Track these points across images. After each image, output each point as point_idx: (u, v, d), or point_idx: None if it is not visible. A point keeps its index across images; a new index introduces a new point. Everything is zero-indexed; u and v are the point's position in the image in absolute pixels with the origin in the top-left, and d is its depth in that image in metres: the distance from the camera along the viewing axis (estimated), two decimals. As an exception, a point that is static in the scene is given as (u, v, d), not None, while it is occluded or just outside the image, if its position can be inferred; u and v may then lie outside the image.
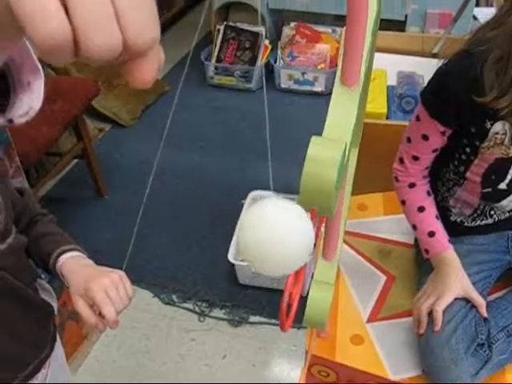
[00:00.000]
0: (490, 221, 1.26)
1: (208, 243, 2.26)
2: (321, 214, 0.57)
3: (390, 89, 1.96)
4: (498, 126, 1.09)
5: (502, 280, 1.27)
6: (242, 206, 2.07)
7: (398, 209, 1.31)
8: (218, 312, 2.05)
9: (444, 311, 1.11)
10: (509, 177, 1.15)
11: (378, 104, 1.85)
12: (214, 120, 3.09)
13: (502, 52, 1.00)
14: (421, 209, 1.21)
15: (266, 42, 3.29)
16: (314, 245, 0.47)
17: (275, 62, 3.25)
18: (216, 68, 3.30)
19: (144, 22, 0.29)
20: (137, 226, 0.72)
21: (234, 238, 2.03)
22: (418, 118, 1.17)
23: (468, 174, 1.19)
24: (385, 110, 1.86)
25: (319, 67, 3.19)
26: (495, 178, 1.16)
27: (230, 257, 2.00)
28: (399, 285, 1.33)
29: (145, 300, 2.09)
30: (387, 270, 1.37)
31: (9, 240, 0.85)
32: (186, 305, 2.08)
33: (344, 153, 0.55)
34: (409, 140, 1.20)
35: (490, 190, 1.18)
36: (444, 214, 1.26)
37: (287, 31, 3.28)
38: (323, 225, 0.87)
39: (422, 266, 1.28)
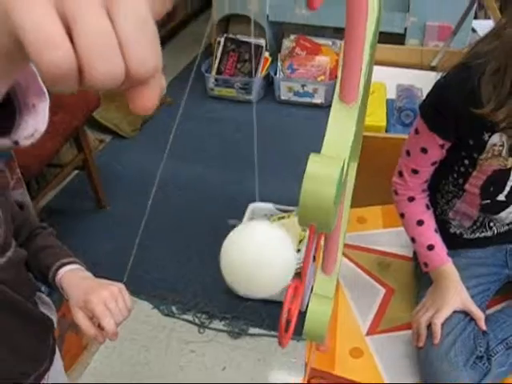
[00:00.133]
0: (489, 233, 1.26)
1: (208, 255, 2.26)
2: (319, 231, 0.57)
3: (389, 102, 1.97)
4: (495, 138, 1.10)
5: (500, 293, 1.27)
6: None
7: (397, 222, 1.31)
8: (217, 324, 2.05)
9: (443, 324, 1.12)
10: (507, 188, 1.16)
11: (377, 117, 1.86)
12: (213, 131, 3.11)
13: (499, 64, 1.01)
14: (420, 222, 1.22)
15: (266, 54, 3.31)
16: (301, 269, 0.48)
17: (275, 74, 3.27)
18: (216, 80, 3.32)
19: (146, 51, 0.30)
20: (139, 238, 0.73)
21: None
22: (416, 131, 1.17)
23: (467, 186, 1.19)
24: (384, 123, 1.87)
25: (319, 79, 3.20)
26: (494, 189, 1.17)
27: (230, 268, 2.00)
28: (398, 298, 1.34)
29: (144, 311, 2.09)
30: (386, 282, 1.37)
31: (8, 253, 0.86)
32: (185, 316, 2.08)
33: (342, 170, 0.55)
34: (408, 153, 1.21)
35: (488, 201, 1.19)
36: (443, 226, 1.27)
37: (287, 43, 3.30)
38: (322, 238, 0.88)
39: (421, 279, 1.29)
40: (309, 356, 1.20)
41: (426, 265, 1.21)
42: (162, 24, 0.34)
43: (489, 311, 1.23)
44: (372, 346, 1.24)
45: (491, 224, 1.25)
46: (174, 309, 2.11)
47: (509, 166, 1.13)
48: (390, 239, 1.48)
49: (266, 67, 3.30)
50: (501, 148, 1.10)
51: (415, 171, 1.21)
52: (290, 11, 3.13)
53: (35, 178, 2.37)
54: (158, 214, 2.39)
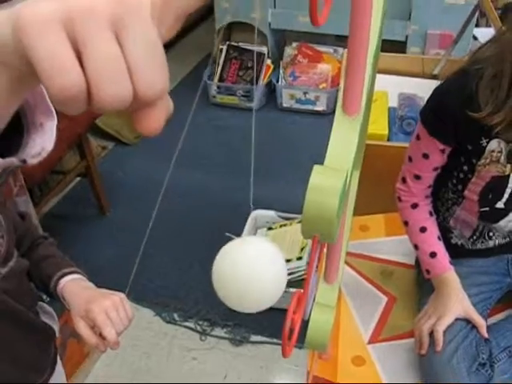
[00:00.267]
0: (490, 244, 1.27)
1: (210, 262, 2.25)
2: (322, 241, 0.58)
3: (391, 110, 1.97)
4: (493, 144, 1.10)
5: (502, 302, 1.27)
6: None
7: (399, 230, 1.32)
8: (219, 331, 2.05)
9: (445, 332, 1.12)
10: (506, 195, 1.16)
11: (379, 125, 1.87)
12: (216, 139, 3.12)
13: (497, 69, 1.02)
14: (423, 229, 1.22)
15: (268, 61, 3.32)
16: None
17: (277, 81, 3.28)
18: (218, 87, 3.33)
19: (155, 75, 0.30)
20: (143, 247, 0.74)
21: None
22: (418, 137, 1.19)
23: (466, 193, 1.20)
24: (386, 132, 1.87)
25: (321, 87, 3.21)
26: (492, 196, 1.17)
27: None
28: (400, 306, 1.34)
29: (146, 318, 2.10)
30: (388, 291, 1.38)
31: (10, 263, 0.86)
32: (187, 323, 2.08)
33: (345, 182, 0.56)
34: (410, 159, 1.22)
35: (487, 209, 1.19)
36: (445, 235, 1.27)
37: (289, 51, 3.31)
38: (325, 248, 0.88)
39: (423, 287, 1.29)
40: (311, 364, 1.20)
41: (428, 272, 1.22)
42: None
43: (490, 319, 1.23)
44: (374, 355, 1.24)
45: (491, 234, 1.25)
46: (175, 316, 2.11)
47: (507, 173, 1.13)
48: (392, 247, 1.48)
49: (267, 75, 3.31)
50: (499, 154, 1.11)
51: (418, 177, 1.21)
52: (292, 19, 3.14)
53: (38, 184, 2.37)
54: (159, 222, 2.39)
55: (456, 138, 1.13)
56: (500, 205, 1.18)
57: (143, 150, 3.02)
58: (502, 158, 1.11)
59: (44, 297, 1.06)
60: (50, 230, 1.18)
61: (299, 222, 2.20)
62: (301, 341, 0.87)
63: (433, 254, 1.21)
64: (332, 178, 0.56)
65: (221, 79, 3.34)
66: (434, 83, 1.20)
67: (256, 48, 3.31)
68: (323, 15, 0.43)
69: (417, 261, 1.34)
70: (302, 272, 1.96)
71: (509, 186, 1.15)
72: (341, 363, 1.22)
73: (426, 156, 1.18)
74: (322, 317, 0.88)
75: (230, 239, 0.48)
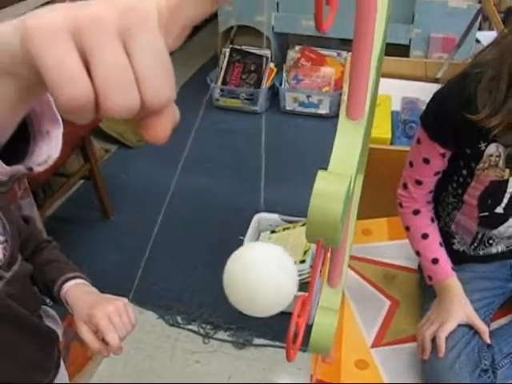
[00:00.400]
0: (493, 251, 1.26)
1: (213, 265, 2.26)
2: (327, 246, 0.58)
3: (394, 114, 1.97)
4: (492, 149, 1.10)
5: (505, 307, 1.27)
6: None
7: (402, 234, 1.32)
8: (222, 334, 2.05)
9: (447, 337, 1.12)
10: (505, 200, 1.16)
11: (382, 129, 1.87)
12: (219, 142, 3.12)
13: (496, 71, 1.02)
14: (424, 236, 1.22)
15: (272, 64, 3.33)
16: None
17: (280, 84, 3.29)
18: (222, 90, 3.33)
19: (162, 84, 0.31)
20: (148, 251, 0.74)
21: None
22: (418, 141, 1.18)
23: (465, 197, 1.20)
24: (389, 136, 1.87)
25: (324, 90, 3.22)
26: (491, 201, 1.17)
27: (235, 279, 2.00)
28: (403, 310, 1.34)
29: (149, 321, 2.10)
30: (391, 294, 1.38)
31: (15, 267, 0.86)
32: (190, 326, 2.09)
33: (349, 187, 0.56)
34: (411, 164, 1.22)
35: (487, 214, 1.19)
36: (447, 241, 1.27)
37: (292, 54, 3.32)
38: (329, 252, 0.89)
39: (426, 292, 1.29)
40: (314, 367, 1.20)
41: (430, 278, 1.22)
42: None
43: (493, 325, 1.23)
44: (377, 358, 1.24)
45: (491, 241, 1.25)
46: (178, 319, 2.11)
47: (506, 177, 1.13)
48: (395, 251, 1.48)
49: (271, 78, 3.32)
50: (497, 159, 1.11)
51: (419, 182, 1.21)
52: (295, 22, 3.15)
53: (41, 187, 2.38)
54: (163, 225, 2.39)
55: (455, 141, 1.14)
56: (499, 210, 1.18)
57: (146, 152, 3.02)
58: (501, 162, 1.11)
59: (47, 300, 1.06)
60: (54, 233, 1.18)
61: (302, 225, 2.21)
62: (304, 344, 0.87)
63: (435, 261, 1.21)
64: (336, 183, 0.56)
65: (224, 82, 3.35)
66: (437, 87, 1.20)
67: (259, 51, 3.32)
68: (328, 22, 0.43)
69: (420, 265, 1.34)
70: (306, 275, 1.96)
71: (508, 190, 1.15)
72: (344, 367, 1.22)
73: (426, 161, 1.18)
74: (326, 320, 0.88)
75: (241, 242, 0.48)
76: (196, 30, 4.23)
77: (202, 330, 2.06)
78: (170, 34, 0.32)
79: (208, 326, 2.07)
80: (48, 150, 0.43)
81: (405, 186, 1.24)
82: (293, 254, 2.07)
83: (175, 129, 0.33)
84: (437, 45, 2.93)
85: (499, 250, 1.26)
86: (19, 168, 0.41)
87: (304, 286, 1.91)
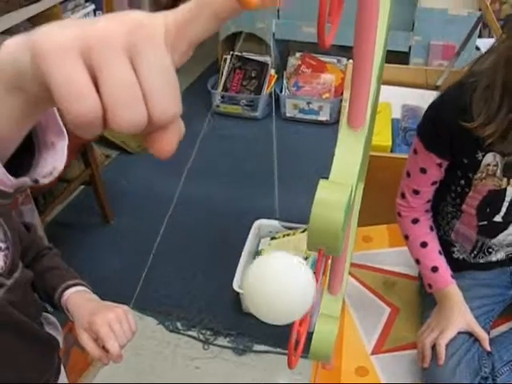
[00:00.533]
0: (493, 259, 1.27)
1: (213, 271, 2.27)
2: (328, 254, 0.59)
3: (394, 122, 1.98)
4: (489, 158, 1.10)
5: (505, 314, 1.27)
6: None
7: (402, 241, 1.32)
8: (222, 340, 2.05)
9: (447, 345, 1.12)
10: (503, 209, 1.16)
11: (382, 137, 1.87)
12: (219, 148, 3.12)
13: (490, 79, 1.02)
14: (424, 244, 1.23)
15: (272, 71, 3.34)
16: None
17: (281, 91, 3.30)
18: (222, 96, 3.34)
19: (169, 100, 0.31)
20: (150, 259, 0.74)
21: (239, 267, 2.04)
22: (415, 151, 1.19)
23: (464, 207, 1.20)
24: (389, 143, 1.88)
25: (324, 97, 3.23)
26: (490, 210, 1.17)
27: (235, 285, 2.01)
28: (403, 317, 1.34)
29: (150, 327, 2.10)
30: (391, 302, 1.38)
31: (16, 274, 0.87)
32: (190, 332, 2.09)
33: (350, 195, 0.57)
34: (408, 174, 1.22)
35: (485, 223, 1.20)
36: (447, 250, 1.28)
37: (293, 61, 3.33)
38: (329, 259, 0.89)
39: (426, 299, 1.29)
40: (314, 374, 1.20)
41: (430, 286, 1.22)
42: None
43: (493, 332, 1.23)
44: (377, 365, 1.24)
45: (490, 249, 1.25)
46: (179, 325, 2.11)
47: (503, 186, 1.13)
48: (395, 258, 1.49)
49: (271, 84, 3.33)
50: (495, 168, 1.11)
51: (416, 192, 1.22)
52: (296, 29, 3.16)
53: (42, 192, 2.38)
54: (163, 231, 2.40)
55: (451, 151, 1.14)
56: (498, 218, 1.18)
57: (147, 158, 3.02)
58: (498, 171, 1.11)
59: (48, 307, 1.06)
60: (54, 238, 1.19)
61: (302, 231, 2.21)
62: (305, 350, 0.87)
63: (434, 269, 1.21)
64: (337, 192, 0.57)
65: (225, 89, 3.36)
66: (438, 94, 1.21)
67: (260, 58, 3.33)
68: (329, 38, 0.44)
69: (420, 272, 1.35)
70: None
71: (506, 199, 1.15)
72: (344, 374, 1.22)
73: (423, 171, 1.18)
74: (326, 328, 0.89)
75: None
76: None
77: (202, 336, 2.06)
78: (177, 50, 0.33)
79: (208, 332, 2.07)
80: (53, 161, 0.44)
81: (403, 196, 1.25)
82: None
83: (180, 141, 0.34)
84: (437, 52, 2.94)
85: (499, 258, 1.27)
86: (25, 180, 0.41)
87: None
